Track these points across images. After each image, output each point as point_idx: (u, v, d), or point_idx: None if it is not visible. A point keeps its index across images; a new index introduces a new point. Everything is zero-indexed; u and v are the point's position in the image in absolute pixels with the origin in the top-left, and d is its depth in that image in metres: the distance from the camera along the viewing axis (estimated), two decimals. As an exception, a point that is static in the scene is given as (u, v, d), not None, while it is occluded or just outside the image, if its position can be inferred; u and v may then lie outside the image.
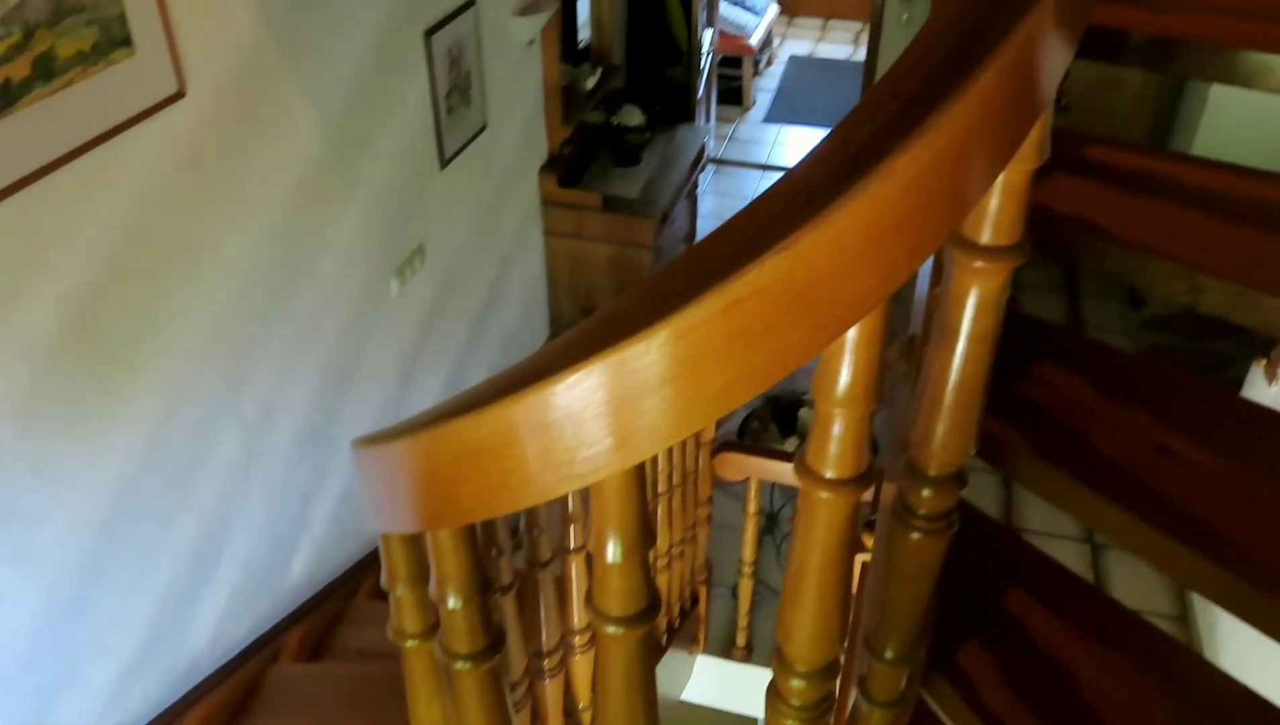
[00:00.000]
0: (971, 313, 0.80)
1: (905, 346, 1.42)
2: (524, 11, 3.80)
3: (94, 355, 2.09)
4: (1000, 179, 0.74)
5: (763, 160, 6.79)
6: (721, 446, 2.80)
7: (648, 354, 0.61)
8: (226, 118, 2.33)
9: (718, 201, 6.29)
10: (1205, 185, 1.46)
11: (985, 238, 0.76)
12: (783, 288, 0.59)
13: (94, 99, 1.96)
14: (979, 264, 0.78)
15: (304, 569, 3.03)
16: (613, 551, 0.72)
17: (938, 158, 0.61)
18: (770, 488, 3.71)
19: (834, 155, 0.62)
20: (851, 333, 0.66)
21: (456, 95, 3.41)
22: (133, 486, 2.26)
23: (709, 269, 0.59)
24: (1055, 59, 0.76)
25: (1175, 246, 1.26)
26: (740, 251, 0.59)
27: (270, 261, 2.60)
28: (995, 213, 0.75)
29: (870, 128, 0.62)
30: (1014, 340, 1.35)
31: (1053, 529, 3.81)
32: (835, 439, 0.70)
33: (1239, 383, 3.67)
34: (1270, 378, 3.27)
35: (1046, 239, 1.29)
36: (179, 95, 2.15)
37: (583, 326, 0.65)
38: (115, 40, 1.97)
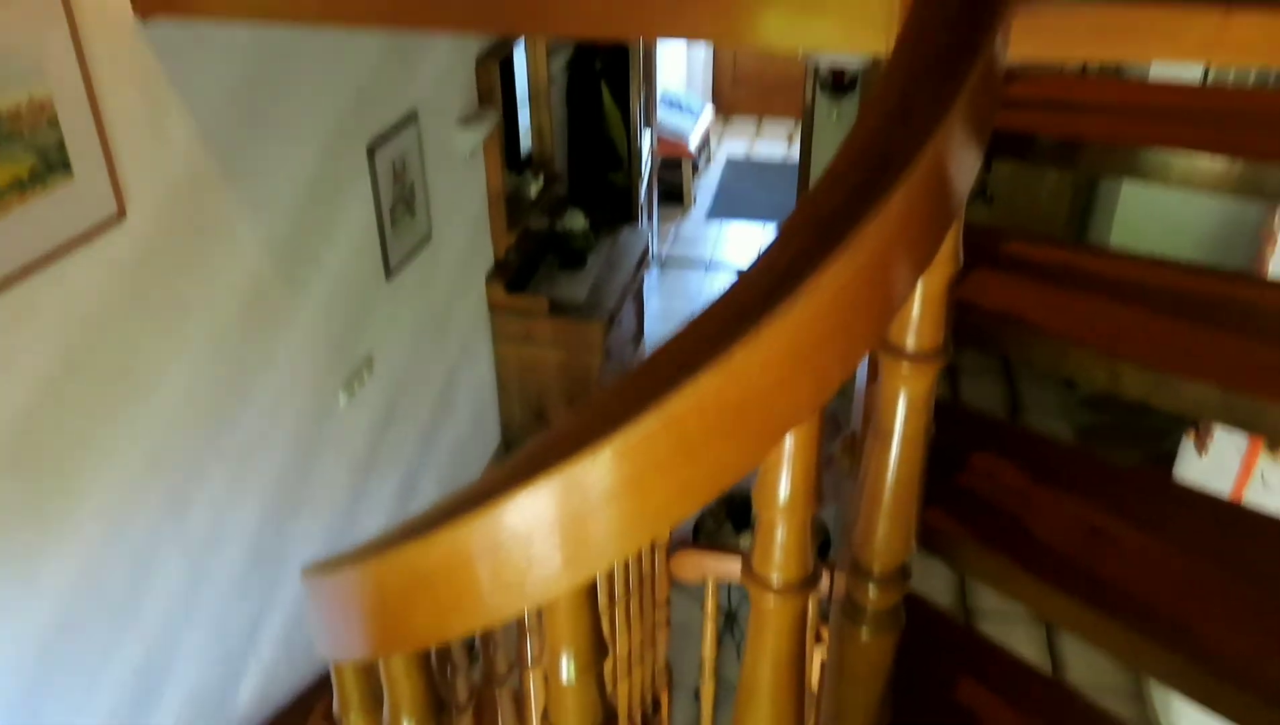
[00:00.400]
0: (903, 415, 0.83)
1: (848, 442, 1.45)
2: (466, 123, 3.90)
3: (29, 485, 2.04)
4: (920, 288, 0.78)
5: (706, 257, 6.93)
6: (677, 546, 2.79)
7: (593, 471, 0.62)
8: (167, 237, 2.34)
9: (664, 300, 6.38)
10: (1120, 276, 1.53)
11: (910, 343, 0.80)
12: (719, 403, 0.62)
13: (31, 224, 1.95)
14: (906, 368, 0.81)
15: (253, 694, 2.93)
16: (567, 669, 0.73)
17: (859, 273, 0.64)
18: (728, 586, 3.69)
19: (762, 275, 0.66)
20: (788, 441, 0.68)
21: (401, 207, 3.46)
22: (70, 618, 2.18)
23: (649, 387, 0.62)
24: (964, 170, 0.81)
25: (1094, 336, 1.31)
26: (678, 370, 0.62)
27: (215, 380, 2.58)
28: (917, 319, 0.79)
29: (795, 248, 0.65)
30: (953, 432, 1.39)
31: (1006, 610, 3.83)
32: (779, 545, 0.72)
33: (1172, 454, 3.78)
34: (1200, 449, 3.37)
35: (972, 333, 1.35)
36: (119, 217, 2.16)
37: (529, 448, 0.67)
38: (53, 165, 1.98)
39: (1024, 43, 1.53)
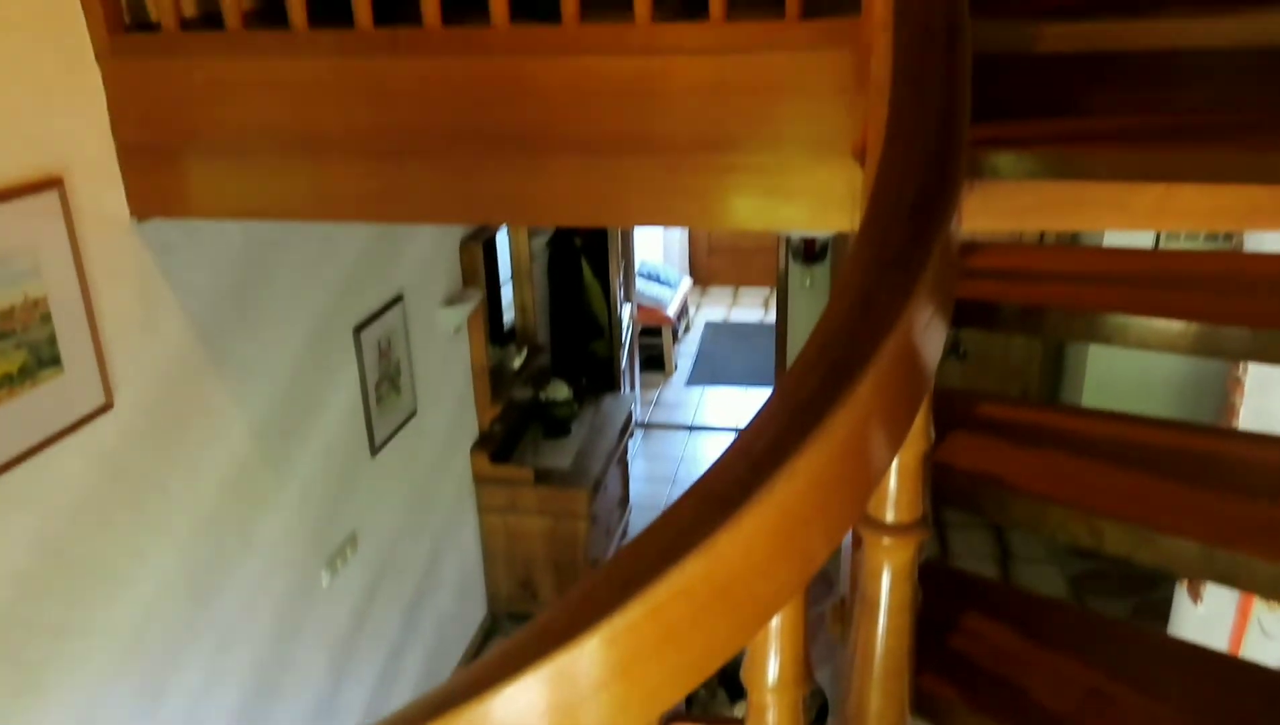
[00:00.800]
0: (888, 586, 0.84)
1: (837, 609, 1.44)
2: (450, 302, 4.00)
3: None
4: (896, 463, 0.81)
5: (688, 422, 6.99)
6: (670, 719, 2.70)
7: (582, 661, 0.63)
8: (154, 425, 2.35)
9: (648, 464, 6.40)
10: (1095, 433, 1.57)
11: (889, 517, 0.82)
12: (704, 588, 0.63)
13: (18, 418, 1.97)
14: (887, 541, 0.83)
15: None
16: None
17: (834, 455, 0.67)
18: (725, 760, 3.55)
19: (740, 460, 0.68)
20: (775, 622, 0.69)
21: (386, 384, 3.51)
22: (37, 827, 2.07)
23: (633, 575, 0.63)
24: (930, 347, 0.85)
25: (1072, 494, 1.33)
26: (661, 556, 0.63)
27: (195, 564, 2.54)
28: (895, 494, 0.81)
29: (771, 433, 0.68)
30: (942, 594, 1.39)
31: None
32: (771, 729, 0.71)
33: (1167, 601, 3.73)
34: (1194, 597, 3.34)
35: (953, 495, 1.36)
36: (106, 407, 2.18)
37: (515, 639, 0.67)
38: (44, 361, 2.02)
39: (981, 216, 1.62)
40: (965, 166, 0.89)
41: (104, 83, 2.00)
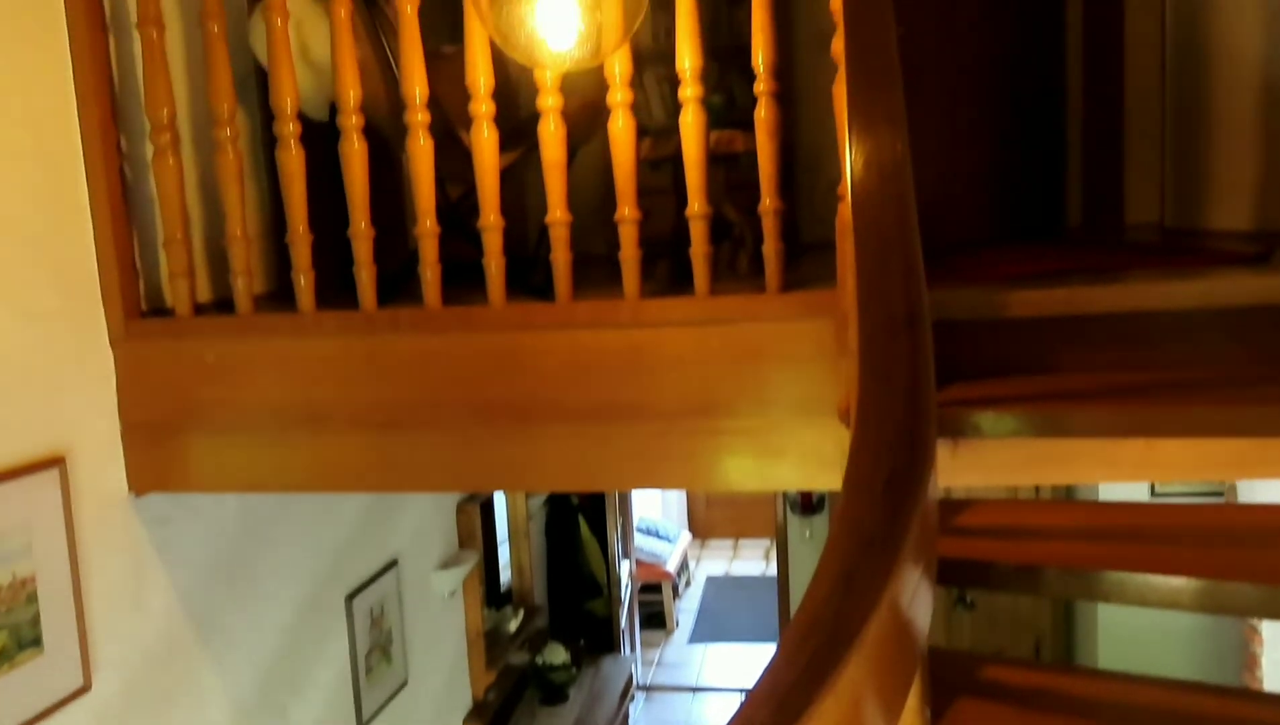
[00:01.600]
0: None
1: None
2: (446, 565, 3.95)
3: None
4: (893, 748, 0.78)
5: (692, 682, 6.71)
6: None
7: None
8: (131, 706, 2.25)
9: (651, 731, 6.09)
10: (1111, 697, 1.51)
11: (892, 808, 0.78)
12: None
13: (-12, 706, 1.89)
14: (892, 834, 0.78)
15: None
16: None
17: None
18: None
19: (728, 754, 0.66)
20: None
21: (377, 653, 3.39)
22: None
23: None
24: (918, 615, 0.84)
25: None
26: None
27: None
28: (895, 783, 0.78)
29: (759, 722, 0.66)
30: None
31: None
32: None
33: None
34: None
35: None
36: (83, 690, 2.09)
37: None
38: (24, 643, 1.95)
39: (968, 473, 1.65)
40: (934, 439, 0.91)
41: (115, 365, 2.07)
